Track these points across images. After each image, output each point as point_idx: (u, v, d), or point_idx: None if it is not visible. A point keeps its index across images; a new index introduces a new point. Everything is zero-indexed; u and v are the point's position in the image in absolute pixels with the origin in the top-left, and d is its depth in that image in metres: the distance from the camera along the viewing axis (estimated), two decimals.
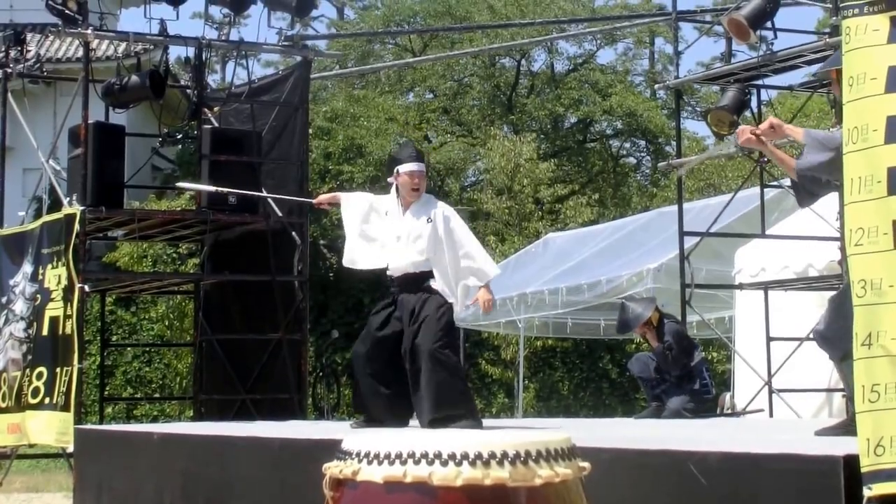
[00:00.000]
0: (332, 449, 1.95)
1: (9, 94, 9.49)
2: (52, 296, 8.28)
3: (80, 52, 8.96)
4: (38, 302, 8.48)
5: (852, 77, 2.80)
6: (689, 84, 11.26)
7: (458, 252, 5.18)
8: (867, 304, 2.66)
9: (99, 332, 12.26)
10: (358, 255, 5.41)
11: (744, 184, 10.73)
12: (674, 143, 15.03)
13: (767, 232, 9.42)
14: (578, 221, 18.65)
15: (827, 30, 8.81)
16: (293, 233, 8.87)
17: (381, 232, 5.36)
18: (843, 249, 3.60)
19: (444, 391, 4.98)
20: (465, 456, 1.80)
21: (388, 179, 5.45)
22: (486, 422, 5.51)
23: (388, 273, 5.35)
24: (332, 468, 1.90)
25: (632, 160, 25.59)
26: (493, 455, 1.81)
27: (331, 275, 18.82)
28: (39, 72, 9.92)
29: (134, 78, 8.61)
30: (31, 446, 8.94)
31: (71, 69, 15.08)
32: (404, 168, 5.31)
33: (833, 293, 4.22)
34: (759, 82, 9.23)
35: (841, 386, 8.35)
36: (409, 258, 5.23)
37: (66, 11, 8.28)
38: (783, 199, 10.73)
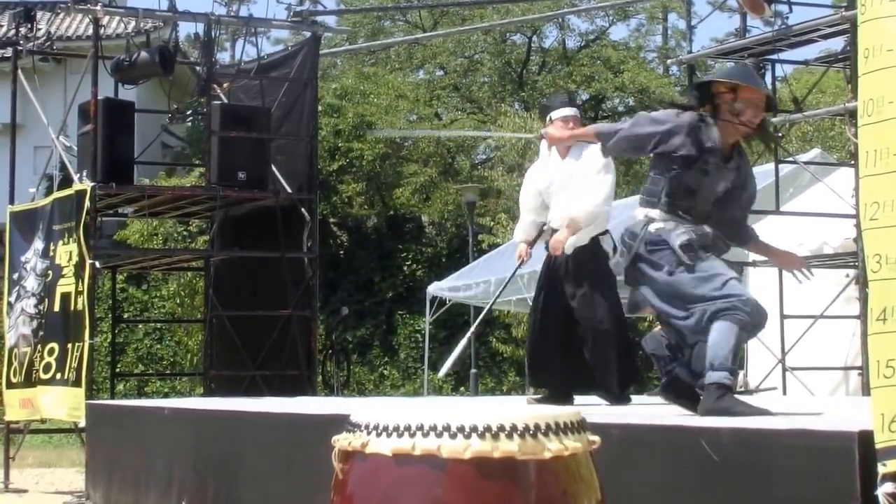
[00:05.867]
0: (341, 424, 1.94)
1: (19, 72, 9.47)
2: (64, 272, 8.29)
3: (90, 30, 8.94)
4: (49, 278, 8.50)
5: (868, 49, 2.75)
6: (702, 59, 11.17)
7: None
8: (882, 279, 2.62)
9: (110, 309, 12.29)
10: None
11: (758, 160, 10.66)
12: None
13: (782, 209, 9.36)
14: None
15: (843, 3, 8.71)
16: (302, 209, 8.85)
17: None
18: (858, 226, 3.56)
19: None
20: (473, 428, 1.79)
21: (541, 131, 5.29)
22: (495, 398, 5.50)
23: None
24: (341, 440, 1.89)
25: None
26: (501, 428, 1.79)
27: (341, 252, 18.82)
28: (49, 49, 9.88)
29: (143, 54, 8.56)
30: (43, 421, 8.99)
31: (81, 46, 15.06)
32: (557, 114, 5.31)
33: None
34: (774, 57, 9.14)
35: (858, 364, 8.35)
36: None
37: None
38: (798, 175, 10.67)
